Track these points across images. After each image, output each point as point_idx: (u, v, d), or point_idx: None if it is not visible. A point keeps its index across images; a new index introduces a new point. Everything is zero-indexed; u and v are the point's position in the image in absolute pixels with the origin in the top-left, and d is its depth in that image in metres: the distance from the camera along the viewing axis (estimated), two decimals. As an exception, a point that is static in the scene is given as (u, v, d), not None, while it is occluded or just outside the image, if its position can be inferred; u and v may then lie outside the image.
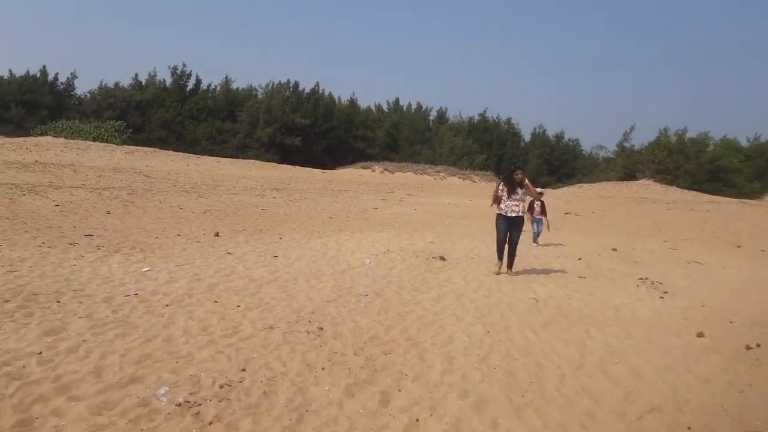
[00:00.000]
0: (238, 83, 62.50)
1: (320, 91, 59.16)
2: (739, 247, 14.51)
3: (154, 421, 3.42)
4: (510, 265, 8.95)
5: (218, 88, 57.59)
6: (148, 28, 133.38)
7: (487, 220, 16.00)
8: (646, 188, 43.25)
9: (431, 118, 67.50)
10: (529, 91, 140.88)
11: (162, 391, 3.77)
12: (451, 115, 68.68)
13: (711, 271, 10.32)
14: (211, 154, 45.67)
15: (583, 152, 69.36)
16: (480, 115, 66.22)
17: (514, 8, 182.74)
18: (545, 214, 12.65)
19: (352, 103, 64.35)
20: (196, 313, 5.67)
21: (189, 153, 41.89)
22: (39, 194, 13.91)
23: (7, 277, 6.45)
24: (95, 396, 3.67)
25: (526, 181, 8.86)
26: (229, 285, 6.99)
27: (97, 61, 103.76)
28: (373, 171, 46.16)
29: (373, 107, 67.15)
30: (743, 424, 3.96)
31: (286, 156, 50.12)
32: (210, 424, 3.44)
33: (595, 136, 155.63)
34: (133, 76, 55.21)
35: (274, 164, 43.81)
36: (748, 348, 5.67)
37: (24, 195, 13.54)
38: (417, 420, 3.73)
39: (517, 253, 9.05)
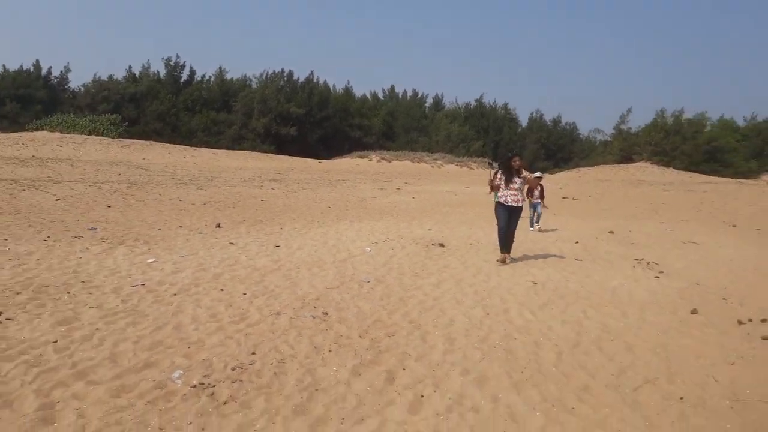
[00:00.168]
0: (232, 74, 62.31)
1: (315, 80, 59.05)
2: (734, 226, 14.70)
3: (171, 402, 3.58)
4: (508, 250, 8.89)
5: (212, 79, 57.45)
6: (139, 20, 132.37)
7: (485, 207, 16.16)
8: (643, 170, 43.45)
9: (427, 105, 67.49)
10: (526, 77, 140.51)
11: (176, 375, 3.93)
12: (447, 102, 68.77)
13: (707, 251, 10.49)
14: (207, 145, 45.67)
15: (581, 136, 69.56)
16: (476, 101, 66.25)
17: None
18: (543, 198, 12.78)
19: (347, 91, 64.23)
20: (204, 301, 5.82)
21: (185, 145, 41.89)
22: (39, 189, 14.00)
23: (16, 270, 6.59)
24: (113, 380, 3.82)
25: (523, 171, 8.73)
26: (233, 274, 7.14)
27: (90, 54, 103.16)
28: (370, 160, 46.20)
29: (368, 95, 67.10)
30: (733, 394, 4.13)
31: (281, 146, 50.11)
32: (225, 403, 3.60)
33: (593, 120, 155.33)
34: (127, 68, 55.07)
35: (270, 155, 43.83)
36: (740, 323, 5.85)
37: (24, 190, 13.62)
38: (422, 396, 3.90)
39: (515, 238, 9.06)
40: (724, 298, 6.89)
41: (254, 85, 56.47)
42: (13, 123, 43.64)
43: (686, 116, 51.49)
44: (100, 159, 28.45)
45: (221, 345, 4.62)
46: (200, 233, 10.26)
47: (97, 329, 4.80)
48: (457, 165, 46.60)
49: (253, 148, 47.51)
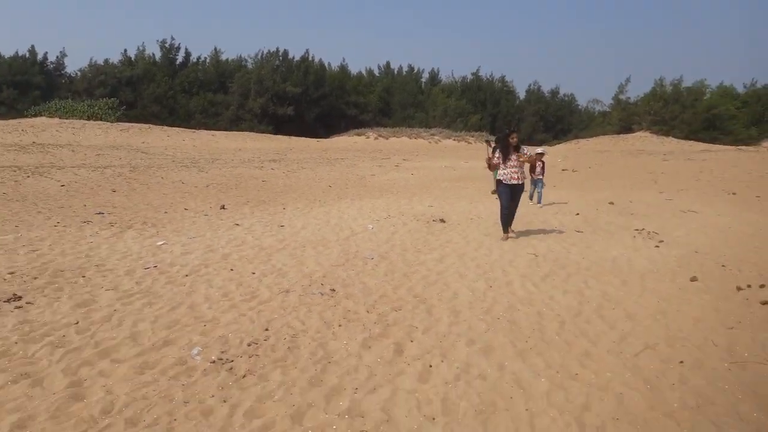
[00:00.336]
0: (227, 54, 61.77)
1: (310, 59, 58.47)
2: (734, 194, 14.81)
3: (193, 376, 3.75)
4: (510, 225, 8.86)
5: (208, 60, 56.93)
6: (134, 4, 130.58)
7: (484, 182, 16.26)
8: (643, 140, 43.39)
9: (423, 80, 66.90)
10: (523, 48, 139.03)
11: (195, 351, 4.10)
12: (444, 76, 68.13)
13: (706, 219, 10.62)
14: (206, 127, 45.55)
15: (579, 107, 69.16)
16: (473, 74, 65.65)
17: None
18: (544, 174, 12.83)
19: (343, 68, 63.67)
20: (215, 281, 5.99)
21: (183, 127, 41.77)
22: (43, 175, 14.09)
23: (31, 256, 6.75)
24: (135, 358, 4.00)
25: (523, 147, 8.58)
26: (241, 254, 7.30)
27: (85, 38, 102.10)
28: (368, 137, 46.10)
29: (364, 72, 66.54)
30: (732, 356, 4.30)
31: (279, 126, 49.93)
32: (244, 377, 3.78)
33: (591, 91, 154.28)
34: (122, 51, 54.54)
35: (268, 135, 43.76)
36: (739, 289, 6.02)
37: (28, 177, 13.71)
38: (430, 366, 4.07)
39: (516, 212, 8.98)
40: (723, 265, 7.04)
41: (250, 66, 56.02)
42: (11, 109, 43.45)
43: (685, 84, 51.24)
44: (100, 143, 28.44)
45: (235, 322, 4.79)
46: (206, 215, 10.40)
47: (115, 310, 4.96)
48: (454, 140, 46.53)
49: (251, 129, 47.38)
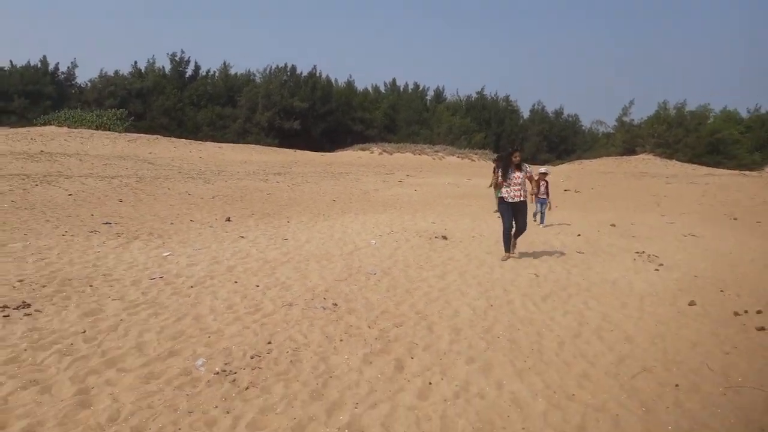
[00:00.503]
0: (237, 68, 62.40)
1: (318, 74, 59.07)
2: (735, 219, 14.85)
3: (197, 387, 3.84)
4: (514, 244, 8.93)
5: (217, 74, 57.53)
6: (145, 16, 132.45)
7: (487, 200, 16.36)
8: (646, 163, 43.47)
9: (428, 97, 67.37)
10: (528, 67, 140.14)
11: (200, 362, 4.19)
12: (449, 94, 68.63)
13: (706, 244, 10.67)
14: (213, 139, 45.89)
15: (583, 128, 69.42)
16: (477, 93, 66.12)
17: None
18: (549, 195, 12.89)
19: (350, 85, 64.26)
20: (220, 293, 6.09)
21: (190, 139, 42.11)
22: (51, 184, 14.27)
23: (39, 264, 6.87)
24: (141, 368, 4.09)
25: (526, 165, 8.63)
26: (246, 267, 7.40)
27: (97, 49, 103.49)
28: (372, 152, 46.28)
29: (370, 88, 67.11)
30: (727, 381, 4.35)
31: (285, 140, 50.30)
32: (246, 389, 3.87)
33: (595, 112, 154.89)
34: (133, 63, 55.22)
35: (274, 148, 44.08)
36: (736, 314, 6.07)
37: (37, 185, 13.90)
38: (430, 383, 4.14)
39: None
40: (721, 290, 7.09)
41: (258, 80, 56.62)
42: (21, 118, 43.86)
43: (689, 108, 51.42)
44: (107, 153, 28.71)
45: (239, 334, 4.88)
46: (211, 227, 10.52)
47: (121, 320, 5.06)
48: (458, 157, 46.65)
49: (257, 142, 47.71)
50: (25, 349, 4.29)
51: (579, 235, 11.31)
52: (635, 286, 7.22)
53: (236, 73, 58.06)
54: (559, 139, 64.35)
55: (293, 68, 57.55)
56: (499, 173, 8.62)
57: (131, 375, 3.96)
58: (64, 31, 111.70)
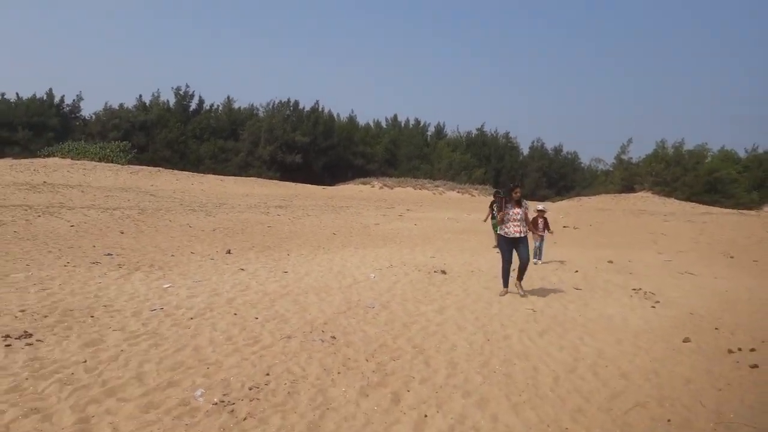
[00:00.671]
0: (240, 102, 63.42)
1: (320, 109, 60.03)
2: (732, 257, 14.94)
3: (196, 417, 3.89)
4: (520, 278, 8.88)
5: (220, 108, 58.47)
6: (150, 50, 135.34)
7: (486, 235, 16.48)
8: (645, 200, 43.75)
9: (429, 133, 68.27)
10: (527, 105, 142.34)
11: (198, 393, 4.25)
12: (449, 130, 69.54)
13: (703, 282, 10.75)
14: (214, 172, 46.31)
15: (582, 165, 70.10)
16: (478, 129, 67.09)
17: (511, 26, 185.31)
18: (548, 229, 12.97)
19: (351, 119, 65.21)
20: (219, 325, 6.16)
21: (192, 172, 42.52)
22: (53, 215, 14.43)
23: (41, 294, 6.96)
24: (141, 397, 4.15)
25: (525, 202, 8.78)
26: (245, 299, 7.48)
27: (102, 82, 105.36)
28: (373, 186, 46.65)
29: (371, 123, 68.06)
30: (719, 417, 4.40)
31: (286, 173, 50.76)
32: (244, 419, 3.92)
33: (594, 149, 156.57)
34: (137, 97, 56.16)
35: (275, 181, 44.45)
36: (730, 351, 6.13)
37: (39, 216, 14.05)
38: (425, 416, 4.19)
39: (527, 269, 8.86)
40: (716, 328, 7.16)
41: (261, 114, 57.51)
42: (25, 150, 44.33)
43: (687, 147, 52.07)
44: (109, 185, 28.99)
45: (238, 366, 4.94)
46: (212, 259, 10.62)
47: (122, 350, 5.13)
48: (458, 192, 47.01)
49: (259, 175, 48.16)
50: (27, 378, 4.35)
51: (576, 271, 11.40)
52: (631, 323, 7.28)
53: (239, 107, 59.03)
54: (558, 176, 64.95)
55: (296, 103, 58.56)
56: (504, 207, 8.67)
57: (131, 404, 4.02)
58: (71, 65, 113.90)
